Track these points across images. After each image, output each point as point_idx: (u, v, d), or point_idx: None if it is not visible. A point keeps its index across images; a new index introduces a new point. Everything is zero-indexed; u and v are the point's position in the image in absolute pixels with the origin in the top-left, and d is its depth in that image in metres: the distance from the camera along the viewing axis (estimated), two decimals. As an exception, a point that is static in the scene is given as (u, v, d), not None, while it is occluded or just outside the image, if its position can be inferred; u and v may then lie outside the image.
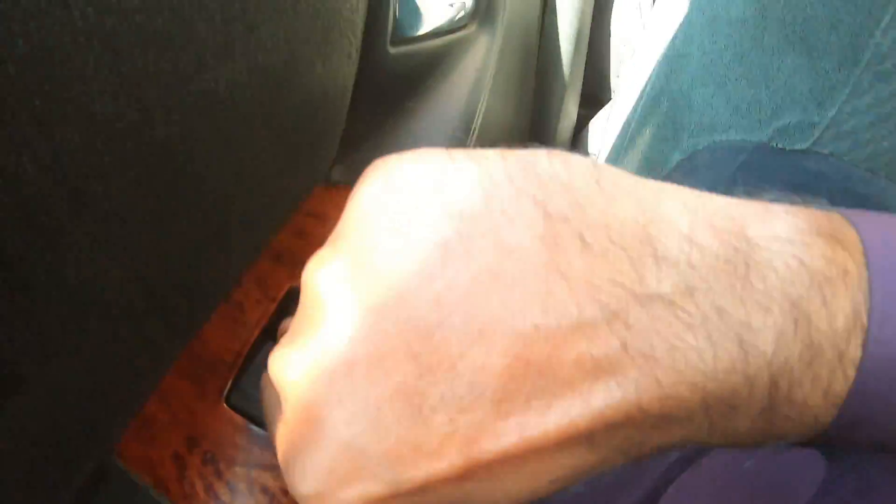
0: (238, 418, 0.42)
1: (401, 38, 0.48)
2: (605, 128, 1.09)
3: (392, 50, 0.47)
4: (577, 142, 1.18)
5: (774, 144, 0.48)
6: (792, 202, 0.19)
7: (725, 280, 0.17)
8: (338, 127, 0.47)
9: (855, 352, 0.17)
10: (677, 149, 0.52)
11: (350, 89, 0.45)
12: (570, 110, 1.04)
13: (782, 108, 0.47)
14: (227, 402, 0.43)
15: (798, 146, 0.47)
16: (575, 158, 0.19)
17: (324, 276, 0.19)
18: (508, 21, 0.69)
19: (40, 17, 0.21)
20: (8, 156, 0.22)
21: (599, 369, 0.17)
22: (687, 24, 0.51)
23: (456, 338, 0.17)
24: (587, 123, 1.16)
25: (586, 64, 1.06)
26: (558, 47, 0.90)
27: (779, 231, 0.18)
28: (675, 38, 0.52)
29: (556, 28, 0.89)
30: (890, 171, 0.46)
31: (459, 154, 0.19)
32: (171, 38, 0.27)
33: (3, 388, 0.27)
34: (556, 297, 0.17)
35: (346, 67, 0.42)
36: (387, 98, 0.53)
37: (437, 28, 0.54)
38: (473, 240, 0.17)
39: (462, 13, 0.59)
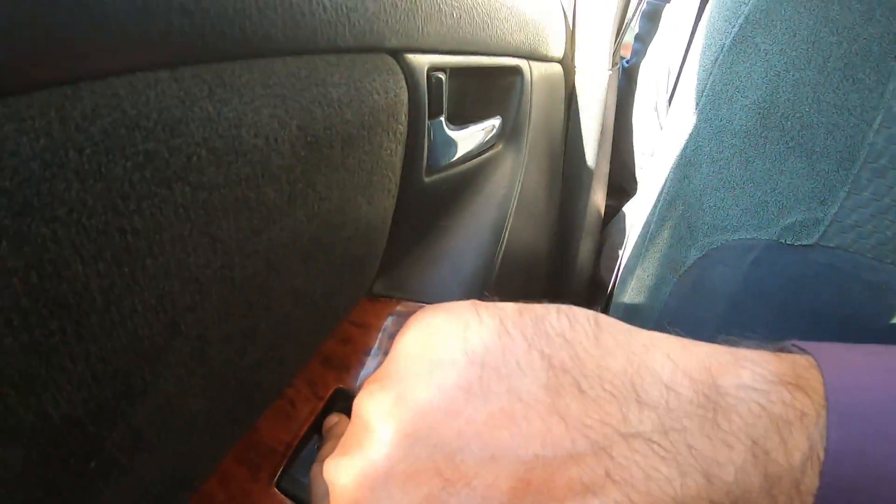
0: (288, 501, 0.48)
1: (435, 167, 0.55)
2: (630, 222, 1.14)
3: (427, 179, 0.54)
4: (605, 231, 1.24)
5: (783, 241, 0.51)
6: (770, 348, 0.24)
7: (697, 421, 0.22)
8: (379, 250, 0.53)
9: (811, 482, 0.21)
10: (693, 247, 0.57)
11: (390, 218, 0.52)
12: (597, 204, 1.10)
13: (788, 208, 0.51)
14: (278, 486, 0.49)
15: (805, 242, 0.50)
16: (580, 315, 0.25)
17: (372, 406, 0.26)
18: (533, 133, 0.76)
19: (151, 197, 0.28)
20: (123, 300, 0.29)
21: (586, 490, 0.22)
22: (696, 133, 0.56)
23: (473, 461, 0.23)
24: (615, 214, 1.22)
25: (611, 159, 1.13)
26: (583, 148, 0.97)
27: (745, 380, 0.23)
28: (686, 146, 0.57)
29: (581, 131, 0.96)
30: None
31: (484, 310, 0.25)
32: (247, 202, 0.34)
33: (104, 473, 0.33)
34: (554, 433, 0.23)
35: (386, 201, 0.50)
36: (423, 220, 0.60)
37: (467, 153, 0.61)
38: (491, 385, 0.24)
39: (490, 135, 0.66)
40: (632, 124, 1.14)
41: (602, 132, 0.97)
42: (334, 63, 0.39)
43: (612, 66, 0.95)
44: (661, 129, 1.08)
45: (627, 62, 1.14)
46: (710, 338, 0.47)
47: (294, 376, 0.54)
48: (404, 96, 0.47)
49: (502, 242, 0.67)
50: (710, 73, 0.54)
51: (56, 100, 0.24)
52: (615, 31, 0.92)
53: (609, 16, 0.90)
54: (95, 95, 0.25)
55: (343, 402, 0.53)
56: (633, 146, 1.15)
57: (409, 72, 0.47)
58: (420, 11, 0.46)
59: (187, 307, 0.33)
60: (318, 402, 0.53)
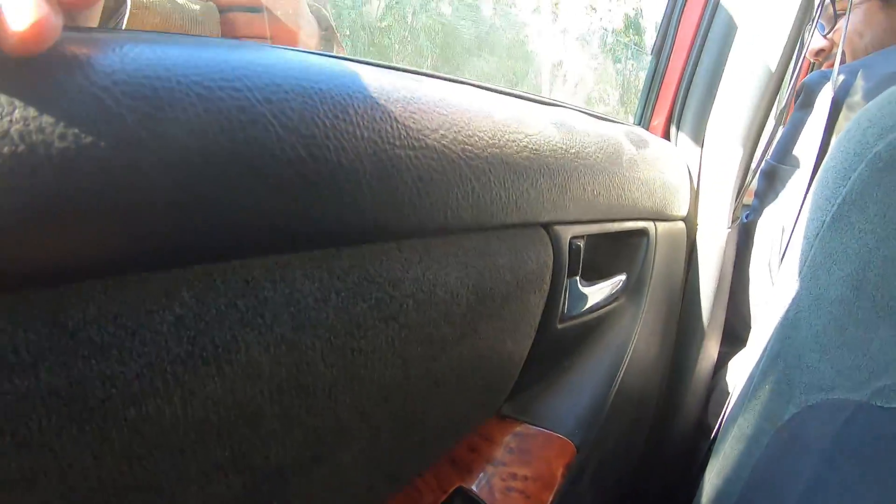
0: None
1: (567, 316, 0.64)
2: (738, 372, 1.16)
3: (559, 326, 0.63)
4: (716, 377, 1.26)
5: (874, 403, 0.54)
6: None
7: None
8: (512, 379, 0.62)
9: None
10: (791, 403, 0.60)
11: (525, 354, 0.61)
12: (710, 351, 1.13)
13: (878, 373, 0.54)
14: None
15: (895, 405, 0.53)
16: None
17: None
18: (654, 286, 0.84)
19: (374, 328, 0.39)
20: (345, 392, 0.39)
21: None
22: (798, 298, 0.60)
23: None
24: (728, 361, 1.25)
25: (728, 309, 1.17)
26: (699, 300, 1.02)
27: None
28: (788, 309, 0.61)
29: (698, 284, 1.02)
30: None
31: None
32: (431, 337, 0.45)
33: None
34: None
35: (525, 342, 0.59)
36: (552, 358, 0.68)
37: (595, 304, 0.70)
38: None
39: (616, 290, 0.75)
40: (748, 277, 1.19)
41: (719, 286, 1.02)
42: (502, 237, 0.50)
43: (732, 223, 1.02)
44: (773, 284, 1.12)
45: (747, 217, 1.20)
46: (802, 493, 0.53)
47: (425, 470, 0.62)
48: (550, 261, 0.57)
49: (615, 384, 0.74)
50: (812, 245, 0.59)
51: (326, 258, 0.37)
52: (736, 191, 1.00)
53: (731, 176, 0.97)
54: (351, 258, 0.38)
55: (461, 499, 0.61)
56: (749, 298, 1.18)
57: (555, 241, 0.57)
58: (568, 192, 0.56)
59: (375, 405, 0.44)
60: (441, 495, 0.61)
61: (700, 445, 1.21)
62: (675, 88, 0.98)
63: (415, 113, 0.41)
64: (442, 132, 0.43)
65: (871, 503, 0.53)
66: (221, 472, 0.35)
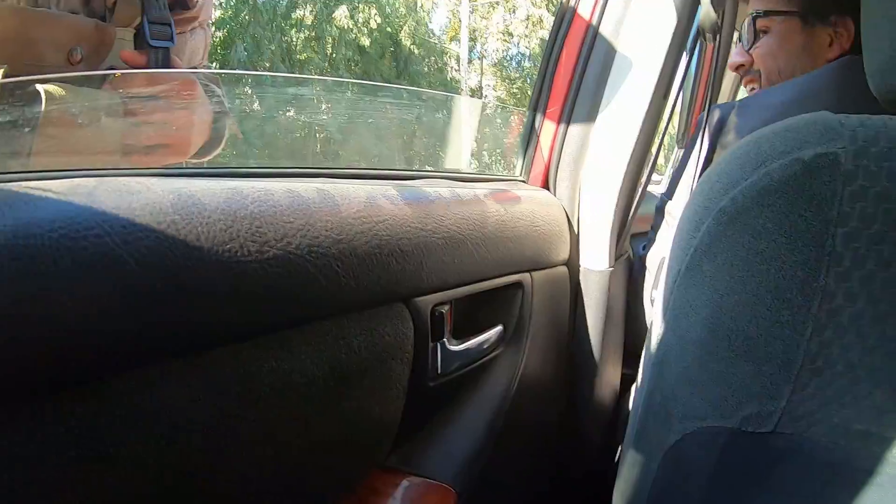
0: None
1: (438, 375, 0.69)
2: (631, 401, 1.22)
3: (431, 384, 0.68)
4: (621, 399, 1.32)
5: (744, 429, 0.59)
6: None
7: None
8: (390, 437, 0.67)
9: None
10: (672, 431, 0.64)
11: (399, 415, 0.65)
12: (609, 381, 1.18)
13: (743, 403, 0.59)
14: None
15: (764, 429, 0.58)
16: None
17: None
18: (534, 332, 0.89)
19: (239, 417, 0.43)
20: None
21: None
22: (664, 339, 0.65)
23: None
24: (632, 383, 1.30)
25: (629, 332, 1.23)
26: (589, 336, 1.08)
27: None
28: (658, 348, 0.66)
29: (586, 321, 1.07)
30: (850, 441, 0.57)
31: None
32: (293, 417, 0.49)
33: None
34: None
35: (396, 404, 0.64)
36: (429, 412, 0.73)
37: (468, 360, 0.74)
38: None
39: (490, 343, 0.80)
40: (642, 305, 1.26)
41: (607, 320, 1.08)
42: (357, 320, 0.55)
43: (615, 262, 1.08)
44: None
45: (644, 248, 1.26)
46: None
47: None
48: (411, 332, 0.61)
49: (496, 429, 0.79)
50: (672, 292, 0.64)
51: (194, 365, 0.43)
52: (616, 231, 1.06)
53: (608, 217, 1.04)
54: (213, 360, 0.45)
55: None
56: (646, 322, 1.24)
57: (415, 313, 0.62)
58: (425, 268, 0.61)
59: (253, 477, 0.50)
60: None
61: (609, 470, 1.27)
62: (551, 141, 1.04)
63: (260, 227, 0.47)
64: (287, 241, 0.48)
65: None
66: None
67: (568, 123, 1.04)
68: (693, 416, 0.62)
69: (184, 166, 0.57)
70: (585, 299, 1.06)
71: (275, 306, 0.47)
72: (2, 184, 0.39)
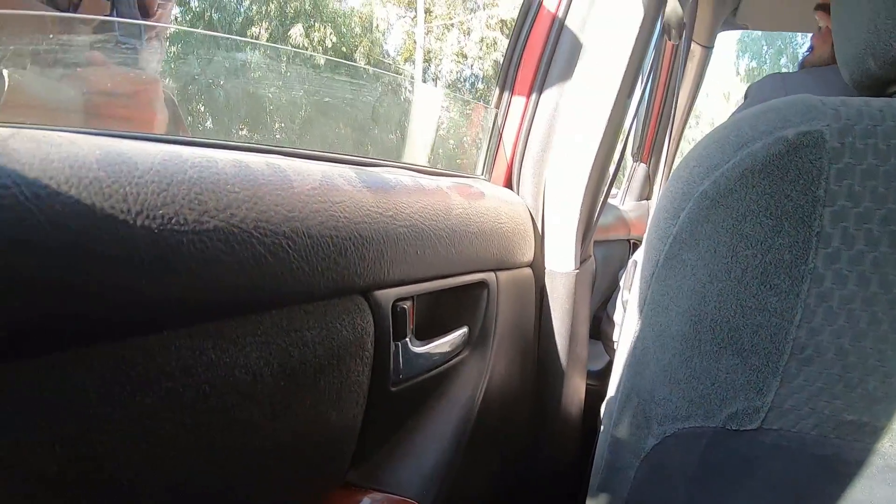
0: None
1: (401, 379, 0.63)
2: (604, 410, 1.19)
3: (393, 389, 0.62)
4: (587, 411, 1.29)
5: (728, 427, 0.57)
6: None
7: None
8: (349, 449, 0.60)
9: None
10: (650, 435, 0.62)
11: (359, 423, 0.59)
12: (576, 387, 1.15)
13: (728, 399, 0.56)
14: None
15: (749, 427, 0.56)
16: None
17: None
18: (500, 335, 0.84)
19: (172, 419, 0.36)
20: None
21: None
22: (643, 336, 0.62)
23: None
24: (603, 394, 1.27)
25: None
26: (555, 340, 1.04)
27: None
28: (635, 346, 0.63)
29: (552, 325, 1.03)
30: (840, 433, 0.54)
31: None
32: (238, 420, 0.43)
33: None
34: None
35: (355, 410, 0.57)
36: (391, 422, 0.67)
37: (432, 363, 0.69)
38: None
39: (456, 345, 0.75)
40: (609, 311, 1.23)
41: (573, 323, 1.05)
42: (310, 311, 0.49)
43: (581, 264, 1.05)
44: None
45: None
46: None
47: None
48: (371, 328, 0.56)
49: (464, 438, 0.73)
50: (650, 285, 0.61)
51: (106, 354, 0.36)
52: (580, 232, 1.03)
53: (573, 218, 1.00)
54: (134, 350, 0.37)
55: None
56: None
57: (375, 307, 0.56)
58: (386, 257, 0.56)
59: (189, 493, 0.43)
60: None
61: (576, 475, 1.23)
62: (514, 139, 1.01)
63: (200, 194, 0.40)
64: (231, 212, 0.41)
65: None
66: None
67: (531, 122, 1.01)
68: (674, 416, 0.60)
69: (114, 130, 0.50)
70: (551, 302, 1.02)
71: (215, 287, 0.40)
72: None
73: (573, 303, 1.03)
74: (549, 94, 0.99)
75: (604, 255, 1.49)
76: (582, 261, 1.06)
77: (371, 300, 0.56)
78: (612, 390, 0.71)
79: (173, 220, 0.38)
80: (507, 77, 1.03)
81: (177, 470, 0.41)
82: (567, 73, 0.98)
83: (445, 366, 0.73)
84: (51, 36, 0.68)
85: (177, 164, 0.40)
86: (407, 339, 0.63)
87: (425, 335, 0.69)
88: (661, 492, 0.61)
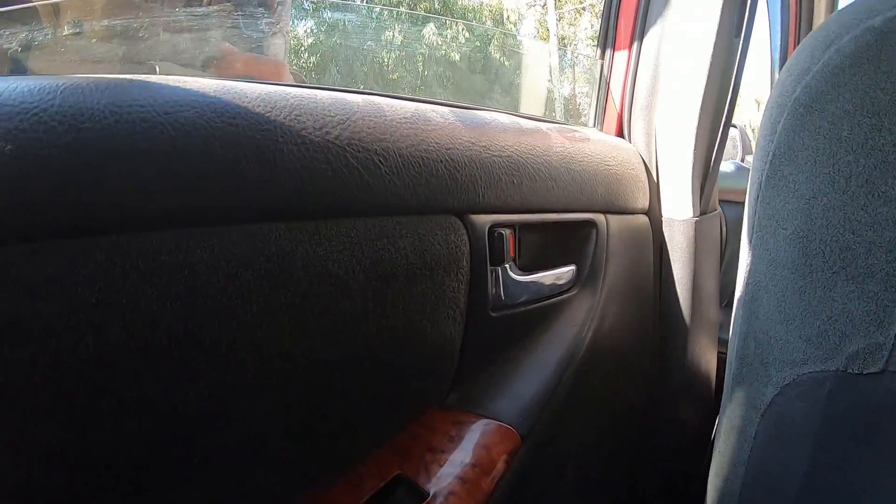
0: None
1: (502, 305, 0.66)
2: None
3: (493, 314, 0.65)
4: (719, 381, 1.23)
5: (850, 371, 0.51)
6: None
7: None
8: (448, 369, 0.64)
9: None
10: (769, 384, 0.57)
11: (458, 343, 0.63)
12: (702, 346, 1.11)
13: (847, 336, 0.51)
14: None
15: (872, 369, 0.49)
16: None
17: None
18: (611, 281, 0.84)
19: (265, 296, 0.42)
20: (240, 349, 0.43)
21: None
22: (754, 269, 0.58)
23: None
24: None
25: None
26: (677, 296, 1.02)
27: None
28: (747, 282, 0.59)
29: (673, 279, 1.01)
30: None
31: None
32: (328, 311, 0.49)
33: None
34: None
35: (452, 328, 0.61)
36: (493, 348, 0.70)
37: (536, 295, 0.71)
38: None
39: (563, 281, 0.76)
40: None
41: (696, 276, 1.02)
42: (403, 223, 0.53)
43: (700, 214, 1.02)
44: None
45: None
46: (802, 486, 0.47)
47: (367, 456, 0.64)
48: (465, 248, 0.59)
49: (566, 375, 0.75)
50: (755, 210, 0.57)
51: (217, 234, 0.44)
52: (699, 180, 1.00)
53: (688, 166, 0.98)
54: (240, 233, 0.45)
55: (401, 486, 0.63)
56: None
57: (471, 229, 0.60)
58: (479, 182, 0.59)
59: (282, 374, 0.49)
60: (380, 481, 0.63)
61: (702, 444, 1.19)
62: (622, 88, 1.00)
63: (300, 115, 0.47)
64: (327, 130, 0.47)
65: (875, 484, 0.51)
66: (130, 412, 0.41)
67: (636, 70, 1.00)
68: (791, 360, 0.55)
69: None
70: (671, 252, 1.00)
71: (313, 192, 0.47)
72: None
73: (694, 252, 1.00)
74: (651, 39, 0.98)
75: (738, 217, 1.43)
76: (703, 211, 1.03)
77: (466, 222, 0.60)
78: (731, 336, 0.66)
79: (276, 133, 0.45)
80: (608, 25, 1.02)
81: (270, 346, 0.47)
82: (666, 15, 0.96)
83: (551, 301, 0.75)
84: (188, 32, 0.78)
85: (279, 94, 0.48)
86: (507, 266, 0.66)
87: (534, 269, 0.72)
88: (784, 454, 0.56)
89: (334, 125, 0.48)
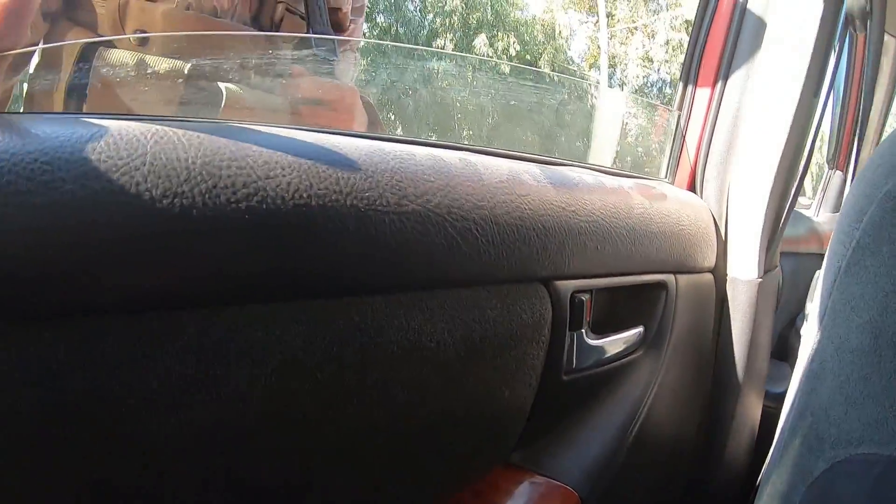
0: None
1: (573, 369, 0.65)
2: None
3: (565, 378, 0.65)
4: (762, 434, 1.22)
5: None
6: None
7: None
8: (516, 429, 0.64)
9: None
10: (821, 458, 0.57)
11: (529, 406, 0.62)
12: (752, 405, 1.10)
13: None
14: None
15: None
16: None
17: None
18: (676, 340, 0.84)
19: (359, 371, 0.42)
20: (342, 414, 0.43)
21: None
22: (821, 349, 0.58)
23: None
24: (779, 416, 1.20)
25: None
26: (733, 353, 1.00)
27: None
28: (812, 360, 0.60)
29: (731, 337, 1.00)
30: None
31: None
32: (415, 381, 0.50)
33: None
34: None
35: (526, 392, 0.61)
36: (560, 409, 0.69)
37: (605, 358, 0.71)
38: None
39: (631, 343, 0.76)
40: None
41: (754, 336, 1.00)
42: (494, 293, 0.53)
43: (765, 273, 1.00)
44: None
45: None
46: None
47: None
48: (548, 315, 0.59)
49: (629, 438, 0.74)
50: (831, 294, 0.58)
51: (312, 308, 0.43)
52: (765, 239, 0.99)
53: (757, 225, 0.96)
54: (336, 308, 0.44)
55: None
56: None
57: (555, 296, 0.59)
58: (567, 249, 0.58)
59: (364, 443, 0.49)
60: None
61: (747, 498, 1.17)
62: (697, 141, 0.99)
63: (401, 181, 0.46)
64: (427, 198, 0.47)
65: None
66: (215, 486, 0.41)
67: (714, 124, 0.99)
68: (847, 440, 0.55)
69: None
70: (732, 311, 0.99)
71: (411, 263, 0.46)
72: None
73: (755, 313, 0.99)
74: (731, 94, 0.97)
75: (792, 269, 1.41)
76: (766, 270, 1.01)
77: (551, 289, 0.59)
78: (786, 407, 0.68)
79: (377, 202, 0.44)
80: (688, 77, 1.01)
81: (357, 418, 0.47)
82: (748, 72, 0.95)
83: (618, 363, 0.74)
84: (258, 53, 0.78)
85: (380, 156, 0.47)
86: (583, 331, 0.65)
87: (601, 330, 0.71)
88: None
89: (434, 192, 0.48)
